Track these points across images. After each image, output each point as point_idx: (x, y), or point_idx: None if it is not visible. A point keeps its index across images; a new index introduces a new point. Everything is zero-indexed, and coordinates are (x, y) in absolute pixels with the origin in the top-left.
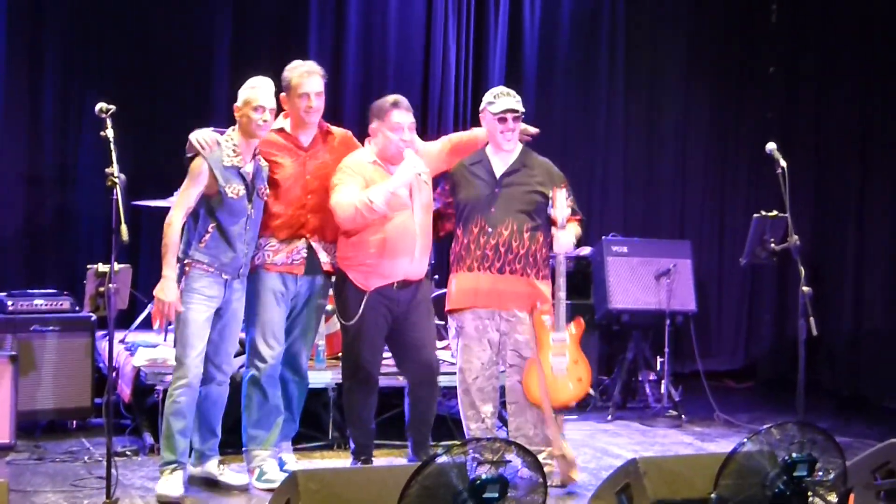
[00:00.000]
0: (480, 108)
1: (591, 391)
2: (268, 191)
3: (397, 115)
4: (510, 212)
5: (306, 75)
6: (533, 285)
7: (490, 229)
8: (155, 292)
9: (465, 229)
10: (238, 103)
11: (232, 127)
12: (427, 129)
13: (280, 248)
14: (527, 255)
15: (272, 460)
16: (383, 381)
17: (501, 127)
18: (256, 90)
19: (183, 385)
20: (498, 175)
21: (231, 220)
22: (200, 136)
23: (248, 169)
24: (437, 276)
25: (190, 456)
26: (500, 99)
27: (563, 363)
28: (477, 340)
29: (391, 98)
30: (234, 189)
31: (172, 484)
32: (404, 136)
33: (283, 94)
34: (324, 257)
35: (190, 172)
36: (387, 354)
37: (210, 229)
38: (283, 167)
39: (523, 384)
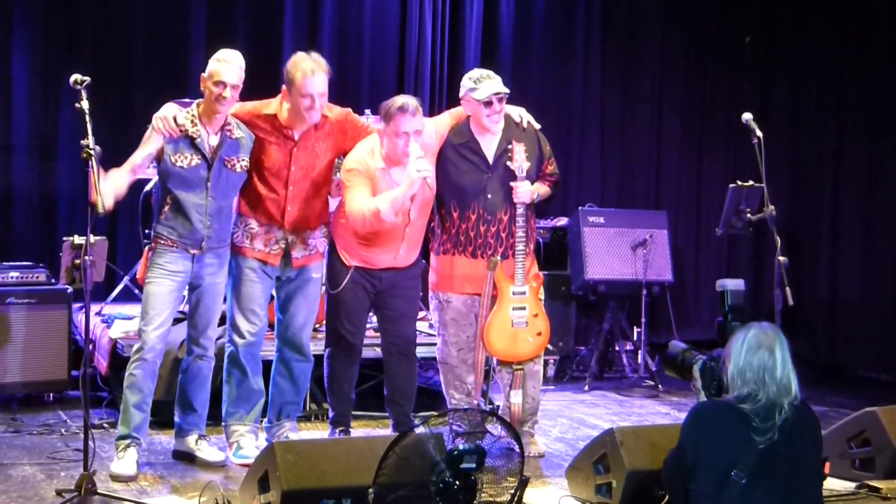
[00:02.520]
0: (461, 94)
1: (551, 346)
2: (246, 165)
3: (402, 122)
4: (507, 196)
5: (310, 74)
6: (532, 262)
7: (489, 216)
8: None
9: (462, 214)
10: (205, 73)
11: (198, 101)
12: None
13: (259, 232)
14: (526, 236)
15: (250, 436)
16: (363, 353)
17: (488, 111)
18: (221, 64)
19: (139, 358)
20: (489, 158)
21: (185, 190)
22: (159, 115)
23: (212, 141)
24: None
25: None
26: (483, 83)
27: (524, 316)
28: (465, 315)
29: (399, 102)
30: (183, 158)
31: (126, 463)
32: (410, 142)
33: (283, 87)
34: (297, 253)
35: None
36: (370, 326)
37: (168, 201)
38: (269, 152)
39: (485, 340)
